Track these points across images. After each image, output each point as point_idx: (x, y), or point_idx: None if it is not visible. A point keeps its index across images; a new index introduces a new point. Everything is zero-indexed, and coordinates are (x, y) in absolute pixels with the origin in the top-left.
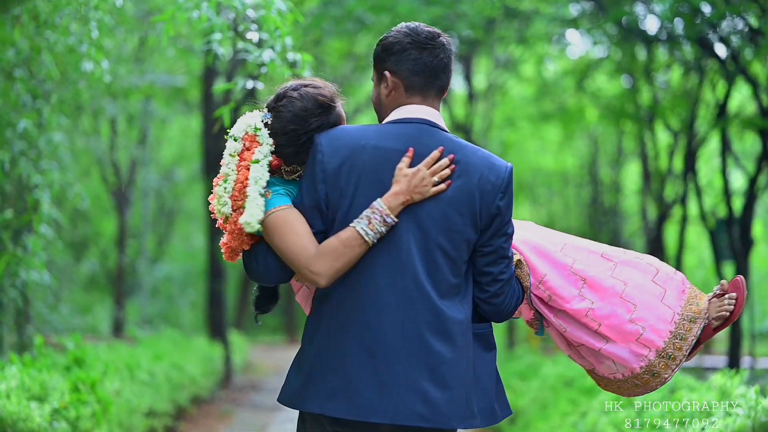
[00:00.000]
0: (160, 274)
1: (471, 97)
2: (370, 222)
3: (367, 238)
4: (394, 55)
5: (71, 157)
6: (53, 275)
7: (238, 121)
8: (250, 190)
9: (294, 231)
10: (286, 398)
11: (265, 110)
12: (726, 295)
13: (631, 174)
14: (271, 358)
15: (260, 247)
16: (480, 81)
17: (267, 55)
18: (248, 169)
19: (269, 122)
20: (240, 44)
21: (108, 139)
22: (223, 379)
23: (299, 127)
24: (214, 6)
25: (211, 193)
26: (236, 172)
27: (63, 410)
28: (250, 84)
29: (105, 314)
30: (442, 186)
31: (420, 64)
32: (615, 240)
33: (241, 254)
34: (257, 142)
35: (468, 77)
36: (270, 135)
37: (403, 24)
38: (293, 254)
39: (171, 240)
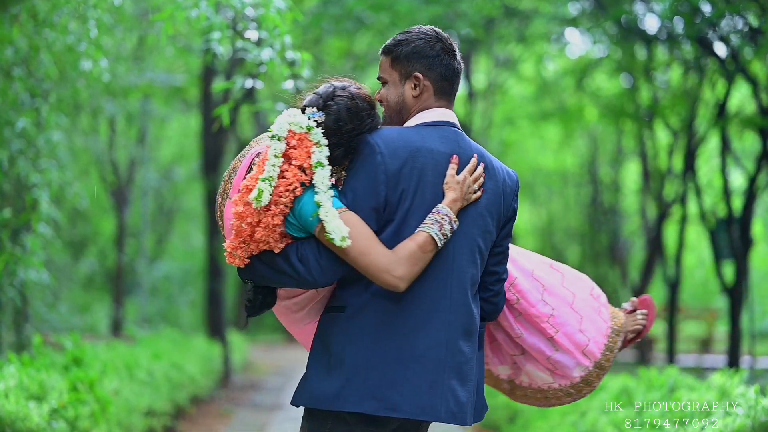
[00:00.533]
0: (159, 274)
1: (470, 95)
2: (441, 227)
3: (439, 243)
4: (426, 59)
5: (70, 156)
6: (52, 274)
7: (278, 119)
8: (321, 198)
9: (365, 235)
10: (319, 399)
11: (313, 109)
12: (638, 311)
13: (631, 173)
14: (270, 357)
15: (308, 249)
16: (479, 80)
17: (266, 53)
18: (299, 168)
19: (319, 121)
20: (239, 43)
21: (107, 138)
22: (222, 379)
23: (356, 126)
24: (213, 5)
25: (225, 194)
26: (278, 174)
27: (61, 410)
28: (249, 83)
29: (104, 313)
30: (479, 193)
31: (450, 69)
32: (615, 239)
33: (249, 257)
34: (309, 141)
35: (467, 76)
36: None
37: (425, 27)
38: (370, 258)
39: (170, 239)
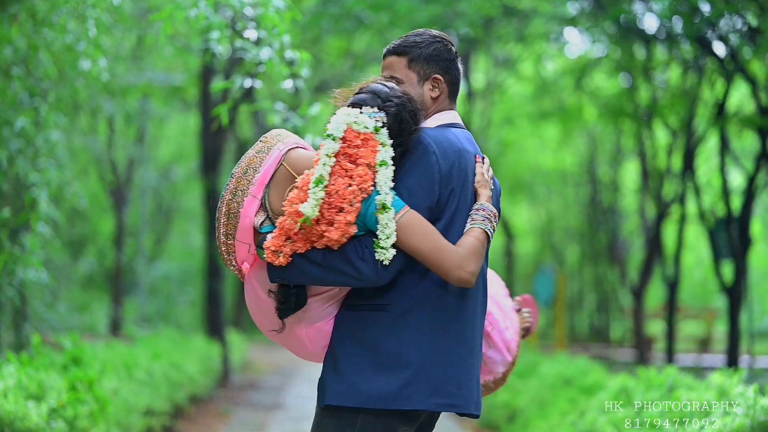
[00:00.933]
0: (158, 273)
1: (470, 95)
2: (491, 223)
3: (491, 239)
4: (444, 62)
5: (69, 156)
6: (51, 274)
7: (335, 119)
8: (386, 199)
9: (434, 232)
10: (375, 398)
11: (373, 109)
12: (523, 310)
13: (630, 173)
14: (269, 356)
15: (369, 247)
16: (479, 79)
17: (265, 53)
18: (369, 167)
19: (383, 121)
20: (238, 42)
21: (106, 137)
22: (221, 378)
23: (417, 128)
24: (212, 4)
25: (239, 191)
26: (330, 174)
27: (60, 409)
28: (248, 82)
29: (103, 313)
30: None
31: (460, 73)
32: (614, 239)
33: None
34: (375, 141)
35: (467, 76)
36: None
37: (433, 31)
38: (443, 255)
39: (169, 238)
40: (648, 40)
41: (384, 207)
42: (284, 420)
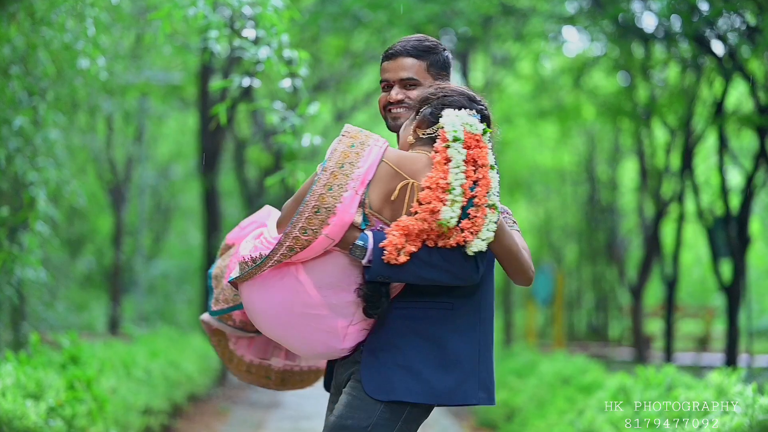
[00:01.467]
0: (157, 272)
1: None
2: (517, 225)
3: None
4: (450, 68)
5: (67, 155)
6: (49, 272)
7: (449, 120)
8: (494, 198)
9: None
10: (441, 395)
11: (472, 111)
12: None
13: (628, 171)
14: None
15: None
16: (477, 78)
17: (263, 52)
18: (488, 168)
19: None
20: (236, 42)
21: (104, 136)
22: (219, 377)
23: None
24: (211, 3)
25: (334, 186)
26: (462, 179)
27: (59, 408)
28: (246, 81)
29: (101, 311)
30: None
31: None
32: (612, 237)
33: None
34: (485, 143)
35: (465, 74)
36: None
37: (435, 39)
38: (522, 254)
39: (167, 237)
40: (646, 38)
41: (495, 207)
42: (282, 418)
